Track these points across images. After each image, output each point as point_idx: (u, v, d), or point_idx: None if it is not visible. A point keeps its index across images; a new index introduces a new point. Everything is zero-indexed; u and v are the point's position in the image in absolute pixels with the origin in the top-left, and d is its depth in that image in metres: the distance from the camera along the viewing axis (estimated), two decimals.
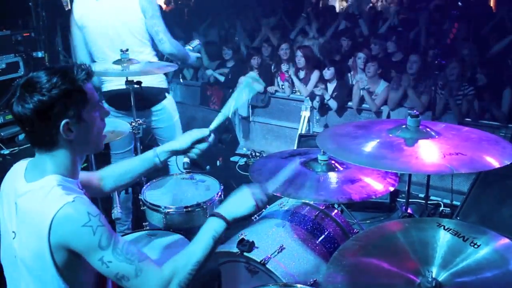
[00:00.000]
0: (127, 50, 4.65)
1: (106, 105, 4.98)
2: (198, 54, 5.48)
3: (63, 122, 2.21)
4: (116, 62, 4.64)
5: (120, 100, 5.00)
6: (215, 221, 2.54)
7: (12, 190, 2.32)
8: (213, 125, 3.16)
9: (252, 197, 2.60)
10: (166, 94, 5.25)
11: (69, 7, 15.92)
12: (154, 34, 4.86)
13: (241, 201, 2.63)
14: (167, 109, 5.26)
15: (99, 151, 2.54)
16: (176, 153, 3.09)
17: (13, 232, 2.28)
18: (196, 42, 5.46)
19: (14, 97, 2.19)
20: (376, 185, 3.26)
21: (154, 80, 5.01)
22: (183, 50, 5.12)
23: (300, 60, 7.81)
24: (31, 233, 2.19)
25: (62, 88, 2.18)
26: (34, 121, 2.18)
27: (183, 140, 3.08)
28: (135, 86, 4.66)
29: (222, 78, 8.92)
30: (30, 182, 2.27)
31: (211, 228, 2.51)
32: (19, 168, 2.40)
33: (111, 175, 2.98)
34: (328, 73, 7.48)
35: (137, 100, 4.76)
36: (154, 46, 4.99)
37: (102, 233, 2.17)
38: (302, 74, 7.89)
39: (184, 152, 3.10)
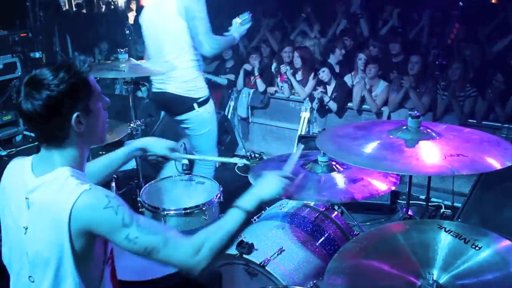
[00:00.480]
0: (125, 49, 4.66)
1: None
2: (247, 26, 5.30)
3: (75, 115, 2.24)
4: (114, 62, 4.66)
5: (156, 102, 5.29)
6: (247, 201, 2.54)
7: (20, 187, 2.32)
8: (186, 158, 3.32)
9: (279, 180, 2.63)
10: (195, 105, 5.05)
11: (67, 7, 15.96)
12: (194, 36, 4.83)
13: (269, 184, 2.64)
14: (194, 121, 5.15)
15: (103, 143, 2.58)
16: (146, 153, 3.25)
17: (24, 227, 2.28)
18: (246, 15, 5.28)
19: (20, 96, 2.20)
20: (378, 184, 3.27)
21: (180, 89, 4.98)
22: (223, 45, 5.10)
23: (297, 60, 7.81)
24: (48, 225, 2.20)
25: (70, 82, 2.21)
26: (45, 117, 2.20)
27: (158, 145, 3.27)
28: (138, 87, 4.67)
29: (225, 82, 8.90)
30: (40, 176, 2.29)
31: (243, 205, 2.50)
32: (23, 164, 2.40)
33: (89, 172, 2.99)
34: (324, 74, 7.46)
35: (164, 106, 5.06)
36: (195, 49, 4.94)
37: (124, 211, 2.21)
38: (299, 76, 7.89)
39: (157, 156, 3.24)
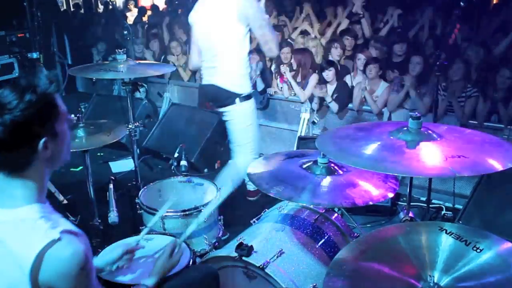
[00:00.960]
0: (124, 50, 4.68)
1: None
2: None
3: (42, 141, 2.08)
4: (112, 62, 4.66)
5: (202, 94, 5.72)
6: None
7: None
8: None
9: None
10: (237, 100, 5.27)
11: (65, 7, 15.97)
12: (263, 44, 5.17)
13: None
14: (235, 115, 5.37)
15: (66, 163, 2.35)
16: None
17: None
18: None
19: None
20: (378, 190, 3.27)
21: (228, 82, 5.24)
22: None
23: (293, 63, 7.83)
24: (8, 263, 2.03)
25: (37, 105, 2.04)
26: (9, 144, 2.02)
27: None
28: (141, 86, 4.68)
29: None
30: (4, 209, 2.10)
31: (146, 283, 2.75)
32: None
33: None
34: (329, 74, 7.45)
35: (211, 98, 5.44)
36: (245, 51, 5.24)
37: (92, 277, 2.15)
38: (298, 77, 7.88)
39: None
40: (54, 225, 2.05)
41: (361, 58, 7.54)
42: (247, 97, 5.36)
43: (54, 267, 1.98)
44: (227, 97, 5.27)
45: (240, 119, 5.38)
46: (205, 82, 5.45)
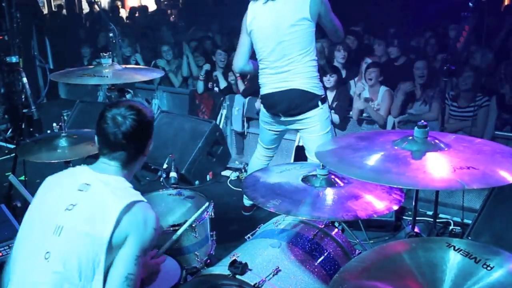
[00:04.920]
0: (109, 53, 4.68)
1: (263, 113, 5.75)
2: None
3: (151, 141, 3.08)
4: (97, 67, 4.67)
5: (269, 104, 5.54)
6: None
7: (79, 176, 2.94)
8: None
9: None
10: (319, 102, 5.40)
11: (46, 8, 15.94)
12: (332, 33, 5.47)
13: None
14: (317, 120, 5.44)
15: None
16: None
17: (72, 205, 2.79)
18: None
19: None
20: (382, 202, 3.27)
21: (308, 84, 5.34)
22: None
23: None
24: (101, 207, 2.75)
25: (151, 122, 3.06)
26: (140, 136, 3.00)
27: None
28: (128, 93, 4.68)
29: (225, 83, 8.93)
30: (102, 173, 2.93)
31: None
32: (79, 167, 3.05)
33: None
34: (331, 80, 7.45)
35: (287, 105, 5.34)
36: (315, 51, 5.39)
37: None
38: None
39: None
40: (141, 194, 2.90)
41: (368, 62, 7.57)
42: (325, 99, 5.52)
43: (137, 217, 2.74)
44: (310, 100, 5.35)
45: (323, 123, 5.46)
46: (273, 90, 5.44)
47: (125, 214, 2.70)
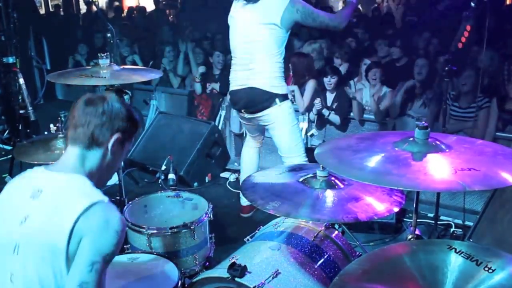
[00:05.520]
0: (106, 54, 4.69)
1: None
2: None
3: (119, 135, 2.75)
4: (94, 67, 4.67)
5: (234, 101, 5.89)
6: None
7: (32, 180, 2.70)
8: None
9: None
10: (277, 100, 5.64)
11: (43, 8, 15.93)
12: (325, 28, 5.80)
13: None
14: (277, 116, 5.71)
15: (101, 186, 2.79)
16: None
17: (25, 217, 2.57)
18: None
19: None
20: (383, 204, 3.27)
21: (266, 84, 5.61)
22: (345, 15, 5.69)
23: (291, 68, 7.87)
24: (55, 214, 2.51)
25: (136, 116, 2.87)
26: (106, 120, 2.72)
27: None
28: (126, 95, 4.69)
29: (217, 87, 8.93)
30: (59, 172, 2.68)
31: None
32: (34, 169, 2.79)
33: None
34: (332, 81, 7.45)
35: (246, 102, 5.67)
36: (282, 55, 5.67)
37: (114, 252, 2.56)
38: (291, 84, 7.88)
39: None
40: (103, 194, 2.63)
41: (367, 63, 7.57)
42: (285, 97, 5.73)
43: (95, 218, 2.48)
44: (267, 99, 5.61)
45: (285, 119, 5.72)
46: (238, 87, 5.77)
47: (81, 217, 2.46)
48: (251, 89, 5.61)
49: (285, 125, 5.70)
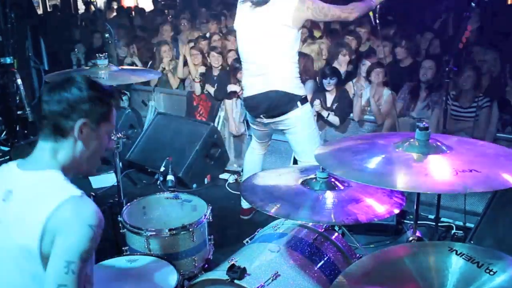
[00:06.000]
0: (105, 54, 4.70)
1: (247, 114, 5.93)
2: None
3: (83, 120, 2.55)
4: (92, 68, 4.67)
5: (251, 107, 5.75)
6: None
7: (2, 181, 2.56)
8: None
9: None
10: (299, 103, 5.51)
11: (41, 8, 15.96)
12: (338, 21, 5.83)
13: None
14: (298, 120, 5.59)
15: (90, 174, 2.72)
16: None
17: None
18: None
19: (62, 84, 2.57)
20: (383, 205, 3.27)
21: (286, 85, 5.47)
22: (360, 6, 5.49)
23: None
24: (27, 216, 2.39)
25: (98, 94, 2.61)
26: (65, 109, 2.52)
27: None
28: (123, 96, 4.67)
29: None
30: (30, 170, 2.53)
31: None
32: (7, 166, 2.65)
33: None
34: (332, 83, 7.44)
35: (266, 107, 5.48)
36: (296, 55, 5.56)
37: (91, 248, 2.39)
38: None
39: None
40: (76, 187, 2.48)
41: (366, 63, 7.56)
42: (306, 99, 5.63)
43: (66, 214, 2.35)
44: (288, 101, 5.47)
45: (304, 123, 5.61)
46: (255, 92, 5.59)
47: (52, 215, 2.33)
48: (271, 92, 5.47)
49: (305, 129, 5.61)
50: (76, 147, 2.58)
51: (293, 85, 5.48)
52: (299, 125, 5.56)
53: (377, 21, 5.54)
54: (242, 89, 5.86)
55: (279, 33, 5.33)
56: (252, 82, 5.61)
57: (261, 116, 5.61)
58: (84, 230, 2.34)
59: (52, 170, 2.51)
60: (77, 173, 2.67)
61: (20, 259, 2.38)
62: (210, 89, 8.75)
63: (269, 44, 5.40)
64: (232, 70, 8.17)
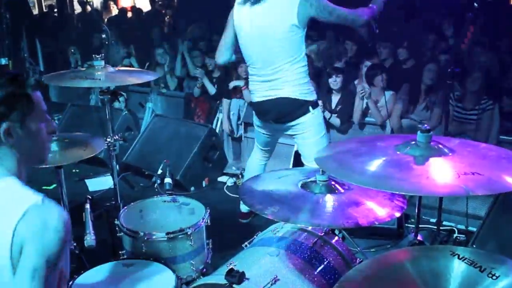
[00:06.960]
0: (102, 56, 4.69)
1: (255, 118, 5.85)
2: None
3: (5, 125, 2.37)
4: (89, 69, 4.67)
5: (260, 112, 5.66)
6: None
7: None
8: None
9: None
10: (310, 108, 5.42)
11: (36, 8, 15.95)
12: (343, 24, 5.41)
13: None
14: (309, 125, 5.49)
15: (42, 165, 2.70)
16: None
17: None
18: None
19: None
20: (383, 209, 3.27)
21: (297, 91, 5.36)
22: (367, 12, 5.39)
23: None
24: None
25: (8, 90, 2.38)
26: None
27: None
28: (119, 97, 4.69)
29: (213, 91, 8.91)
30: None
31: None
32: None
33: None
34: (338, 80, 7.42)
35: (275, 113, 5.41)
36: (305, 57, 5.42)
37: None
38: None
39: None
40: (36, 192, 2.39)
41: (367, 65, 7.57)
42: (317, 104, 5.56)
43: (33, 222, 2.28)
44: (300, 107, 5.39)
45: (316, 128, 5.53)
46: (263, 98, 5.51)
47: (18, 225, 2.26)
48: (280, 99, 5.37)
49: (315, 134, 5.52)
50: (13, 150, 2.46)
51: (303, 90, 5.38)
52: (311, 130, 5.50)
53: (377, 31, 5.50)
54: (246, 85, 5.75)
55: (286, 34, 5.20)
56: (260, 87, 5.52)
57: (271, 121, 5.57)
58: (50, 236, 2.29)
59: (6, 178, 2.43)
60: (32, 166, 2.64)
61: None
62: (212, 89, 8.76)
63: (275, 48, 5.26)
64: (232, 66, 8.17)
